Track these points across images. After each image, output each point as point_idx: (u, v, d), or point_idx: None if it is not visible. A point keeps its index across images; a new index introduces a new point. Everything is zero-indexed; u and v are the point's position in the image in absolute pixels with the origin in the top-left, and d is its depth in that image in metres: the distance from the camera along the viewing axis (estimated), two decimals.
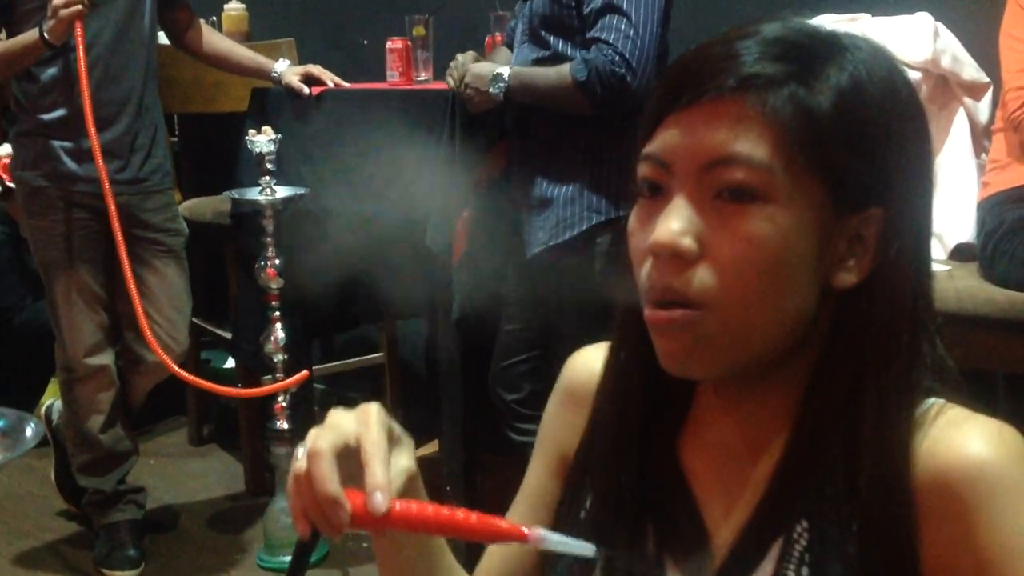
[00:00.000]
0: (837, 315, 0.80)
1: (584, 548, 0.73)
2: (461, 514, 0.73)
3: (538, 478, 0.97)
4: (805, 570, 0.78)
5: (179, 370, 2.72)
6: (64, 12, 2.52)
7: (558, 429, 0.96)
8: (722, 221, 0.76)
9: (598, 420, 0.91)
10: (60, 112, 2.69)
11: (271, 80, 2.96)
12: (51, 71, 2.67)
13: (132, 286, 2.62)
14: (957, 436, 0.76)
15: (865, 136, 0.77)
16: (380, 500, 0.72)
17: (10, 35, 2.68)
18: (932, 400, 0.79)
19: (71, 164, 2.70)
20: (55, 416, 3.01)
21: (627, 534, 0.85)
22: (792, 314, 0.78)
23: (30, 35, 2.58)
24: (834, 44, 0.79)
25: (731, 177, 0.76)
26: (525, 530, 0.73)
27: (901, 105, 0.80)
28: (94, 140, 2.58)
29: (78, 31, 2.56)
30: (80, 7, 2.53)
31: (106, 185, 2.60)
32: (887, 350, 0.79)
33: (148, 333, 2.64)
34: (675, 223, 0.77)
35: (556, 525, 0.91)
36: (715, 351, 0.77)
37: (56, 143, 2.69)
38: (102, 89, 2.66)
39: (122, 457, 2.88)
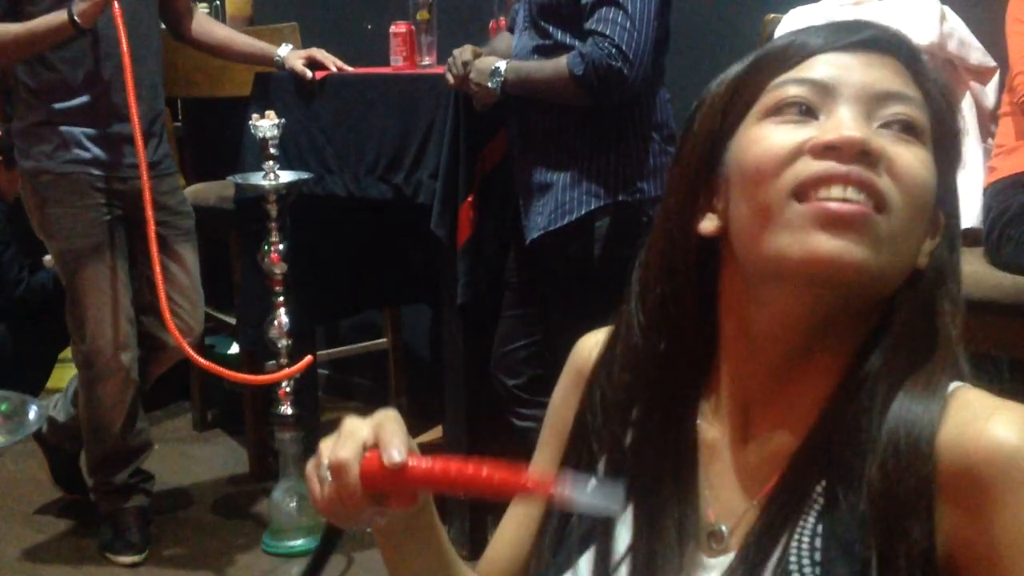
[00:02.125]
0: (903, 291, 0.81)
1: (610, 502, 0.71)
2: (482, 469, 0.71)
3: (547, 462, 0.96)
4: (821, 529, 0.77)
5: (195, 355, 2.72)
6: None
7: (568, 411, 0.95)
8: (894, 143, 0.78)
9: (605, 390, 0.90)
10: (82, 99, 2.68)
11: (274, 65, 2.95)
12: (68, 56, 2.65)
13: (158, 268, 2.62)
14: (983, 421, 0.75)
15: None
16: (396, 454, 0.72)
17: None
18: (956, 383, 0.80)
19: (95, 150, 2.69)
20: (53, 410, 2.99)
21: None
22: (912, 262, 0.81)
23: (56, 17, 2.54)
24: None
25: (904, 111, 0.79)
26: (549, 485, 0.71)
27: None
28: (136, 124, 2.58)
29: (117, 14, 2.54)
30: None
31: (144, 170, 2.60)
32: (937, 332, 0.81)
33: (168, 317, 2.63)
34: (861, 125, 0.78)
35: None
36: (874, 261, 0.76)
37: (77, 130, 2.68)
38: (120, 76, 2.66)
39: (138, 451, 2.87)
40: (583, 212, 2.27)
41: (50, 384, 3.86)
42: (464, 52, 2.41)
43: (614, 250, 2.26)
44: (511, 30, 2.54)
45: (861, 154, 0.76)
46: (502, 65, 2.32)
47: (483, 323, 2.62)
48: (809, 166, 0.77)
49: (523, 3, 2.38)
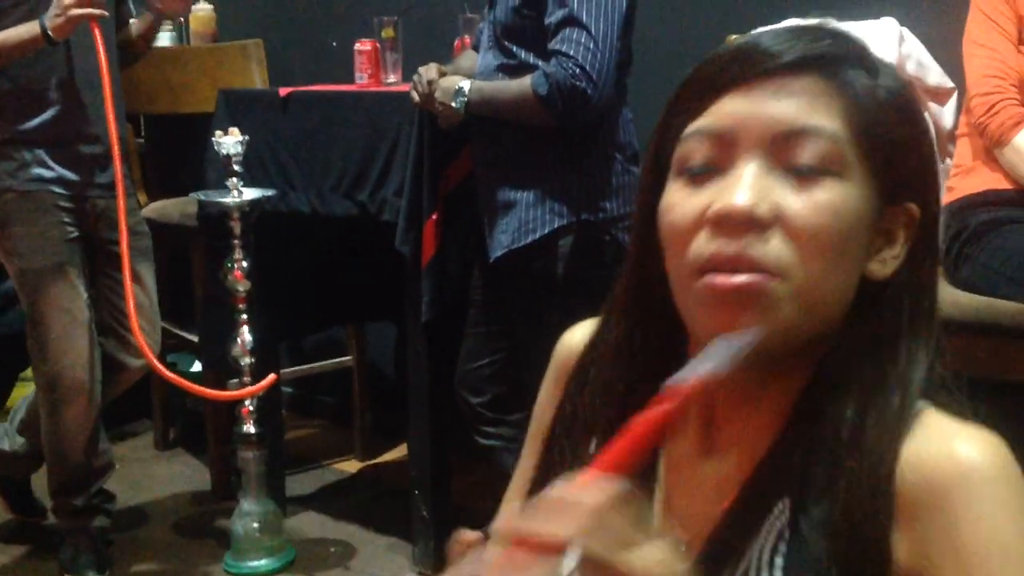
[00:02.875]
0: (860, 306, 0.80)
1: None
2: (625, 435, 0.69)
3: (532, 468, 0.95)
4: (783, 548, 0.78)
5: (163, 369, 2.71)
6: (75, 12, 2.46)
7: (553, 408, 0.95)
8: (793, 192, 0.76)
9: (576, 393, 0.91)
10: (46, 117, 2.64)
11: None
12: (34, 74, 2.61)
13: (129, 285, 2.60)
14: (946, 440, 0.76)
15: (910, 130, 0.80)
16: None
17: None
18: (921, 404, 0.80)
19: (59, 169, 2.65)
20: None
21: None
22: (847, 294, 0.79)
23: (29, 28, 2.50)
24: (867, 49, 0.83)
25: (807, 149, 0.76)
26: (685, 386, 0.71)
27: (921, 114, 0.83)
28: (115, 141, 2.59)
29: (98, 37, 2.53)
30: (93, 11, 2.48)
31: (120, 187, 2.59)
32: (899, 348, 0.80)
33: (139, 333, 2.62)
34: (748, 189, 0.75)
35: (531, 492, 0.91)
36: (779, 323, 0.76)
37: (40, 150, 2.64)
38: (83, 93, 2.64)
39: (100, 472, 2.83)
40: (547, 231, 2.27)
41: (10, 403, 3.81)
42: (429, 71, 2.41)
43: (577, 269, 2.27)
44: (476, 48, 2.55)
45: (749, 223, 0.75)
46: (466, 85, 2.33)
47: (448, 341, 2.62)
48: (701, 248, 0.77)
49: (487, 22, 2.39)
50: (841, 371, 0.80)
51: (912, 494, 0.75)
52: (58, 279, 2.65)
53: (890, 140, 0.79)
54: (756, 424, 0.83)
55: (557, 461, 0.90)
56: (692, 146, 0.79)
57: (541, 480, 0.91)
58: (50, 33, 2.49)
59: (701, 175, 0.78)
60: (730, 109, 0.78)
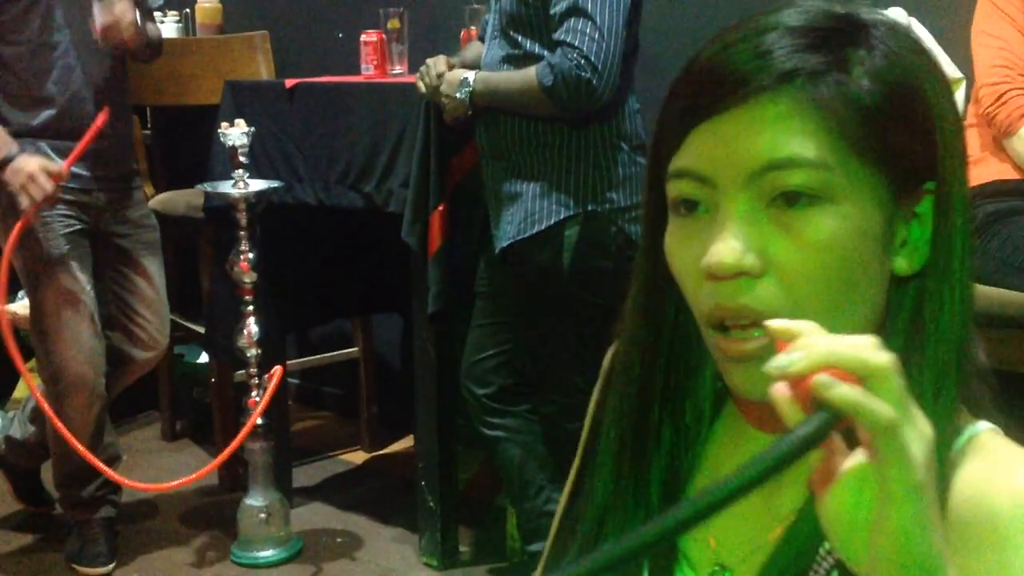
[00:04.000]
0: (896, 307, 0.75)
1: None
2: None
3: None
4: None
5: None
6: (30, 193, 2.52)
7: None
8: (781, 229, 0.72)
9: (610, 414, 0.87)
10: (51, 111, 2.67)
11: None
12: (35, 68, 2.64)
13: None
14: (1004, 471, 0.71)
15: (908, 111, 0.74)
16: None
17: None
18: (982, 426, 0.74)
19: (62, 162, 2.65)
20: (10, 429, 2.96)
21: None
22: (867, 314, 0.74)
23: (4, 144, 2.57)
24: (857, 22, 0.75)
25: (787, 181, 0.71)
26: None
27: (929, 73, 0.76)
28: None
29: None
30: (45, 197, 2.54)
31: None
32: (942, 347, 0.74)
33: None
34: (733, 240, 0.71)
35: (566, 510, 0.90)
36: None
37: (43, 143, 2.66)
38: (86, 89, 2.65)
39: (106, 464, 2.83)
40: (552, 221, 2.27)
41: (16, 395, 3.82)
42: (438, 63, 2.41)
43: (583, 260, 2.27)
44: (481, 39, 2.55)
45: (740, 275, 0.72)
46: (471, 76, 2.32)
47: (454, 332, 2.62)
48: (705, 299, 0.74)
49: (492, 12, 2.39)
50: None
51: (962, 523, 0.70)
52: (61, 271, 2.66)
53: (887, 132, 0.73)
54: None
55: (593, 462, 0.88)
56: (677, 186, 0.76)
57: (580, 488, 0.89)
58: (3, 174, 2.55)
59: (692, 212, 0.75)
60: (704, 148, 0.73)
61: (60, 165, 2.59)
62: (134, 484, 2.81)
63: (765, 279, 0.72)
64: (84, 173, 2.70)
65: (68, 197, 2.68)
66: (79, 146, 2.61)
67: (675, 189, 0.75)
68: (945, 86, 0.77)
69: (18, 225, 2.57)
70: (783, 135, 0.71)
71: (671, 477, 0.83)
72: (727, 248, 0.71)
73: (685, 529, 0.56)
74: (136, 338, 2.83)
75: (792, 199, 0.71)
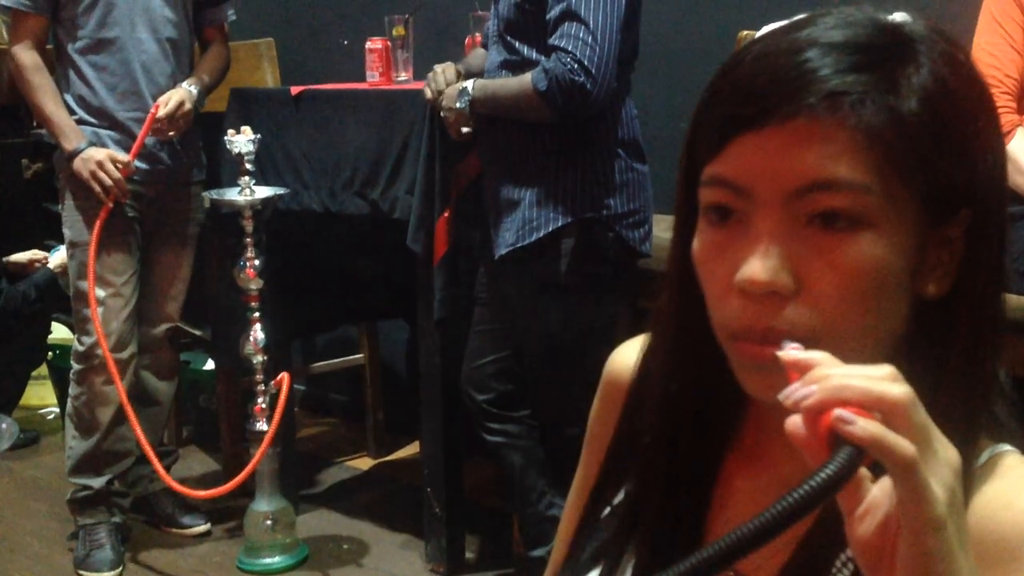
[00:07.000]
0: (921, 329, 0.74)
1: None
2: None
3: (588, 477, 0.94)
4: None
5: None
6: (100, 180, 2.69)
7: (603, 426, 0.93)
8: (817, 251, 0.70)
9: (635, 423, 0.87)
10: (107, 99, 2.79)
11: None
12: (101, 64, 2.77)
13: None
14: (1022, 489, 0.71)
15: (952, 133, 0.71)
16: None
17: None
18: (1003, 447, 0.74)
19: (114, 149, 2.77)
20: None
21: (637, 542, 0.83)
22: (892, 335, 0.73)
23: (70, 135, 2.73)
24: (904, 37, 0.73)
25: (829, 203, 0.69)
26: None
27: (977, 93, 0.74)
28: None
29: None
30: (113, 189, 2.70)
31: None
32: (967, 369, 0.73)
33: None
34: (769, 259, 0.70)
35: (585, 515, 0.90)
36: None
37: (104, 132, 2.79)
38: (142, 81, 2.79)
39: (120, 456, 2.89)
40: (550, 229, 2.27)
41: (23, 402, 3.84)
42: (448, 71, 2.42)
43: (581, 267, 2.27)
44: (485, 46, 2.56)
45: (771, 293, 0.71)
46: (469, 85, 2.33)
47: (459, 338, 2.63)
48: (733, 316, 0.73)
49: (492, 18, 2.40)
50: None
51: (978, 543, 0.67)
52: (102, 254, 2.76)
53: (931, 156, 0.71)
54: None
55: (621, 476, 0.88)
56: (712, 191, 0.74)
57: (602, 495, 0.90)
58: (73, 163, 2.70)
59: (725, 221, 0.74)
60: (744, 159, 0.72)
61: (126, 156, 2.73)
62: (173, 484, 2.85)
63: (795, 300, 0.71)
64: (144, 166, 2.81)
65: (133, 188, 2.79)
66: (139, 137, 2.75)
67: (710, 195, 0.74)
68: (991, 107, 0.75)
69: (100, 216, 2.73)
70: (829, 156, 0.69)
71: (702, 473, 0.83)
72: (762, 266, 0.70)
73: (713, 572, 0.56)
74: (151, 318, 2.94)
75: (830, 219, 0.70)
